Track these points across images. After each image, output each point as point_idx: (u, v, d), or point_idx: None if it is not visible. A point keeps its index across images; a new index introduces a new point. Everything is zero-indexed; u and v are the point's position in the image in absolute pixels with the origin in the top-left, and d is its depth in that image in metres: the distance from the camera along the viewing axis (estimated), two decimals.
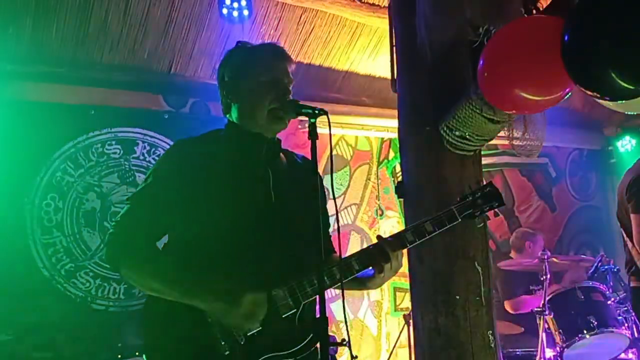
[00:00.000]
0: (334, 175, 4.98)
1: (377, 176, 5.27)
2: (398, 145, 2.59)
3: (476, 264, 2.28)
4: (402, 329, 4.18)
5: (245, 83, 1.84)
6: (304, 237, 1.73)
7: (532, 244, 4.67)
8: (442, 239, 1.87)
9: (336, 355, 3.36)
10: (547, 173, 6.10)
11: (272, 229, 1.77)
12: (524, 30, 1.88)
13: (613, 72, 1.57)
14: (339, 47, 4.71)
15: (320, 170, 1.89)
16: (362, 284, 1.86)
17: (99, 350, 3.60)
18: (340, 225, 1.63)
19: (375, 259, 1.76)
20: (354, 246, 4.89)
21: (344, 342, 1.68)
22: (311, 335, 1.70)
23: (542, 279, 3.76)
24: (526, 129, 2.11)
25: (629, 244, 3.38)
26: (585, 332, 3.51)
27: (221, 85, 1.90)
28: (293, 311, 1.70)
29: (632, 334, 3.63)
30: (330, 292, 4.29)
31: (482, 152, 2.46)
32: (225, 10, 4.07)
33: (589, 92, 1.66)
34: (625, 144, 6.13)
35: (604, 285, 3.82)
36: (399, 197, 2.55)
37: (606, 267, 4.04)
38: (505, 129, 2.19)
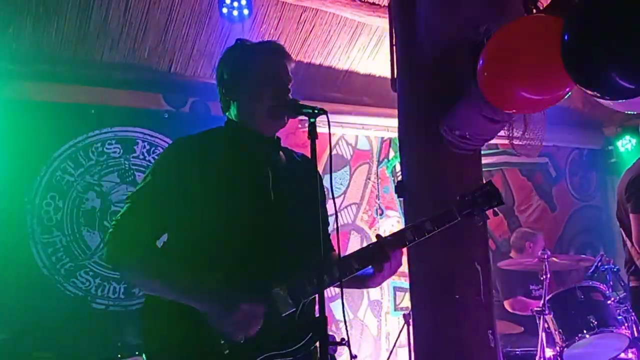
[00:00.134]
0: (334, 174, 4.99)
1: (377, 175, 5.27)
2: (398, 145, 2.59)
3: (476, 264, 2.28)
4: (402, 328, 4.17)
5: (244, 81, 1.84)
6: (303, 236, 1.73)
7: (533, 244, 4.67)
8: (442, 238, 1.86)
9: (335, 354, 3.35)
10: (547, 173, 6.10)
11: (271, 228, 1.77)
12: (524, 30, 1.88)
13: (613, 71, 1.57)
14: (339, 46, 4.71)
15: (320, 169, 1.89)
16: (362, 282, 1.86)
17: (98, 349, 3.60)
18: (340, 224, 1.63)
19: (375, 258, 1.76)
20: (354, 246, 4.89)
21: (344, 342, 1.68)
22: (310, 334, 1.70)
23: (542, 278, 3.76)
24: (526, 128, 2.11)
25: (629, 244, 3.38)
26: (585, 331, 3.51)
27: (220, 84, 1.90)
28: (292, 310, 1.70)
29: (632, 333, 3.63)
30: (330, 291, 4.28)
31: (482, 152, 2.46)
32: (225, 10, 4.06)
33: (589, 92, 1.66)
34: (625, 144, 6.12)
35: (604, 285, 3.82)
36: (398, 197, 2.55)
37: (606, 266, 4.04)
38: (505, 128, 2.19)
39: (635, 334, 3.64)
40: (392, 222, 5.23)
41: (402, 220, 4.28)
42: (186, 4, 4.10)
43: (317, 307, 1.62)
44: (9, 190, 3.86)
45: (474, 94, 2.06)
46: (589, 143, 6.34)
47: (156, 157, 4.23)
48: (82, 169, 4.11)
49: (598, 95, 1.66)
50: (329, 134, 1.62)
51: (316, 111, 1.64)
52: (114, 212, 4.10)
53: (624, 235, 3.43)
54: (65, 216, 4.03)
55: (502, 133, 2.27)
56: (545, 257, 3.76)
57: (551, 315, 3.61)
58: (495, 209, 1.90)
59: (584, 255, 4.70)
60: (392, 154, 5.33)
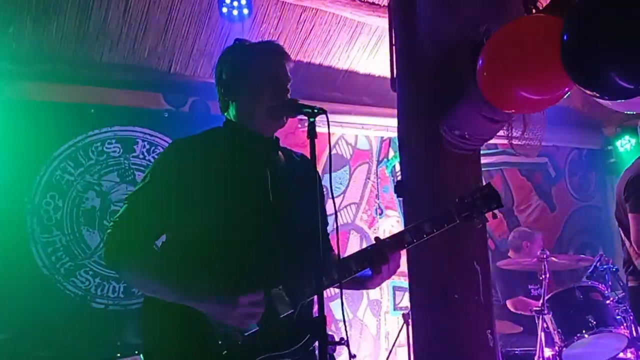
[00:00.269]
0: (334, 174, 4.99)
1: (377, 175, 5.27)
2: (397, 144, 2.59)
3: (475, 264, 2.29)
4: (402, 328, 4.18)
5: (243, 82, 1.84)
6: (302, 236, 1.73)
7: (530, 243, 4.67)
8: (442, 239, 1.86)
9: (335, 354, 3.36)
10: (547, 172, 6.10)
11: (270, 228, 1.76)
12: (524, 30, 1.88)
13: (612, 71, 1.57)
14: (339, 46, 4.71)
15: (320, 169, 1.89)
16: (361, 284, 1.86)
17: (98, 348, 3.60)
18: (339, 224, 1.64)
19: (374, 260, 1.76)
20: (353, 245, 4.89)
21: (343, 342, 1.68)
22: (309, 335, 1.70)
23: (541, 278, 3.76)
24: (525, 128, 2.11)
25: (627, 244, 3.38)
26: (584, 331, 3.51)
27: (219, 83, 1.89)
28: (291, 311, 1.70)
29: (631, 333, 3.63)
30: (330, 291, 4.29)
31: (482, 152, 2.47)
32: (225, 9, 4.06)
33: (589, 92, 1.66)
34: (624, 144, 6.13)
35: (603, 285, 3.82)
36: (398, 196, 2.55)
37: (605, 266, 4.05)
38: (505, 128, 2.19)
39: (634, 334, 3.65)
40: (392, 222, 5.24)
41: (402, 220, 4.29)
42: (186, 3, 4.10)
43: (315, 307, 1.62)
44: (8, 189, 3.86)
45: (473, 94, 2.06)
46: (589, 143, 6.34)
47: (156, 157, 4.24)
48: (82, 169, 4.11)
49: (597, 95, 1.66)
50: (329, 133, 1.62)
51: (315, 111, 1.64)
52: (113, 211, 4.10)
53: (623, 235, 3.43)
54: (65, 215, 4.03)
55: (501, 133, 2.26)
56: (545, 257, 3.76)
57: (550, 315, 3.61)
58: (494, 211, 1.89)
59: (583, 255, 4.70)
60: (391, 153, 5.33)
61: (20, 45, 3.93)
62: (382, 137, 5.31)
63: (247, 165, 1.82)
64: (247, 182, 1.80)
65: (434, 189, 2.34)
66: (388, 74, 2.65)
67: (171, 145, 1.88)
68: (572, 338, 3.53)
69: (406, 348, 4.15)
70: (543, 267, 3.74)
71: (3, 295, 3.66)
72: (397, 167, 5.14)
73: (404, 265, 1.96)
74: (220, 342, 1.65)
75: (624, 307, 3.67)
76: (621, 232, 3.46)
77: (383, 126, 5.08)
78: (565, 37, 1.65)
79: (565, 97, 1.87)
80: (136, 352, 3.26)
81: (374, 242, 1.81)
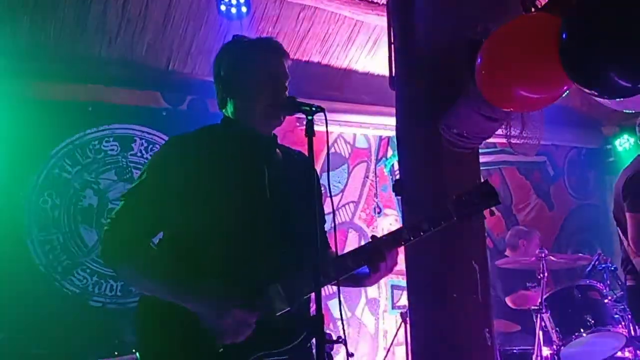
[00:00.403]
0: (332, 172, 4.99)
1: (375, 174, 5.27)
2: (396, 143, 2.59)
3: (473, 262, 2.28)
4: (400, 326, 4.18)
5: (241, 79, 1.83)
6: (299, 234, 1.73)
7: (526, 242, 4.67)
8: (440, 237, 1.86)
9: (332, 353, 3.36)
10: (545, 171, 6.10)
11: (267, 225, 1.76)
12: (523, 28, 1.88)
13: (611, 70, 1.57)
14: (338, 44, 4.71)
15: (318, 167, 1.89)
16: (358, 281, 1.86)
17: (95, 347, 3.59)
18: (338, 222, 1.63)
19: (371, 258, 1.76)
20: (351, 244, 4.89)
21: (340, 340, 1.67)
22: (305, 333, 1.70)
23: (539, 277, 3.76)
24: (524, 127, 2.11)
25: (625, 243, 3.38)
26: (582, 330, 3.51)
27: (217, 80, 1.89)
28: (288, 309, 1.69)
29: (629, 332, 3.63)
30: (327, 289, 4.28)
31: (480, 150, 2.46)
32: (223, 7, 4.06)
33: (587, 90, 1.66)
34: (623, 143, 6.12)
35: (601, 284, 3.82)
36: (396, 195, 2.55)
37: (603, 265, 4.04)
38: (503, 127, 2.19)
39: (632, 333, 3.64)
40: (390, 221, 5.23)
41: (400, 218, 4.29)
42: (184, 1, 4.09)
43: (313, 305, 1.61)
44: (5, 187, 3.85)
45: (472, 93, 2.06)
46: (588, 142, 6.34)
47: None
48: (80, 167, 4.10)
49: (596, 94, 1.66)
50: (327, 131, 1.62)
51: (313, 109, 1.64)
52: (111, 209, 4.08)
53: (621, 234, 3.44)
54: (62, 214, 4.02)
55: (500, 132, 2.26)
56: (543, 255, 3.77)
57: (548, 314, 3.61)
58: (492, 208, 1.89)
59: (581, 254, 4.70)
60: (390, 152, 5.33)
61: (18, 42, 3.92)
62: (380, 136, 5.31)
63: (244, 163, 1.81)
64: (244, 179, 1.79)
65: (432, 187, 2.34)
66: (387, 73, 2.64)
67: (168, 142, 1.87)
68: (570, 337, 3.53)
69: (404, 347, 4.15)
70: (541, 266, 3.74)
71: (0, 293, 3.65)
72: (396, 166, 5.14)
73: (402, 264, 1.96)
74: (216, 340, 1.65)
75: (622, 306, 3.67)
76: (619, 231, 3.46)
77: (382, 125, 5.08)
78: (564, 36, 1.64)
79: (563, 95, 1.86)
80: (133, 350, 3.25)
81: (371, 239, 1.81)
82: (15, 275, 3.76)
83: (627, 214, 3.29)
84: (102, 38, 4.10)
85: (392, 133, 4.76)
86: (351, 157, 5.18)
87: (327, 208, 1.93)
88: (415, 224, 1.81)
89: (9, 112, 3.88)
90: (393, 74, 2.58)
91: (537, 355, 3.52)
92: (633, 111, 1.92)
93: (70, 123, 4.10)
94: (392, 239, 1.79)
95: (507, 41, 1.89)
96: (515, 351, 3.86)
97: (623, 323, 3.63)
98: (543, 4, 2.11)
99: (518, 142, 2.16)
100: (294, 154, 1.97)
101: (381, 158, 5.33)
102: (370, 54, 4.85)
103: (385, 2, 3.54)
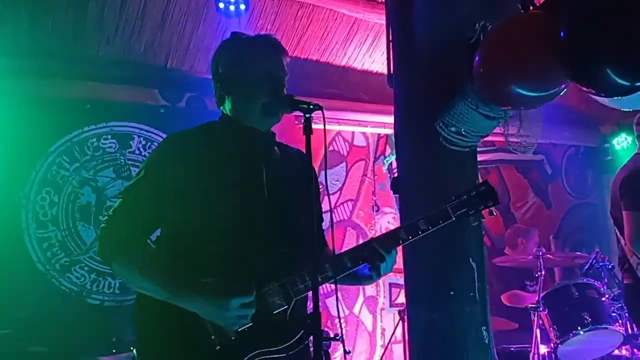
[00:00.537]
0: (331, 171, 4.99)
1: (374, 172, 5.27)
2: (394, 141, 2.59)
3: (471, 260, 2.29)
4: (397, 324, 4.19)
5: (239, 76, 1.82)
6: (296, 232, 1.72)
7: (525, 240, 4.69)
8: (438, 236, 1.86)
9: (329, 350, 3.36)
10: (543, 170, 6.10)
11: (264, 223, 1.76)
12: (521, 27, 1.88)
13: (609, 68, 1.57)
14: (336, 42, 4.70)
15: (317, 165, 1.88)
16: (357, 280, 1.85)
17: (93, 344, 3.60)
18: (336, 221, 1.63)
19: (369, 257, 1.76)
20: (349, 242, 4.89)
21: (337, 337, 1.68)
22: (302, 331, 1.70)
23: (537, 275, 3.77)
24: (521, 125, 2.11)
25: (622, 241, 3.39)
26: (579, 328, 3.52)
27: (215, 78, 1.88)
28: (284, 307, 1.69)
29: (626, 330, 3.64)
30: (325, 287, 4.29)
31: (478, 149, 2.46)
32: (221, 5, 4.05)
33: (585, 89, 1.66)
34: (621, 141, 6.12)
35: (599, 282, 3.83)
36: (394, 193, 2.55)
37: (601, 264, 4.05)
38: (501, 125, 2.19)
39: (629, 331, 3.66)
40: (388, 219, 5.24)
41: (398, 216, 4.29)
42: None
43: (310, 303, 1.61)
44: (3, 185, 3.85)
45: (470, 91, 2.06)
46: (586, 141, 6.34)
47: None
48: (78, 164, 4.10)
49: (593, 92, 1.67)
50: (324, 130, 1.62)
51: (312, 107, 1.63)
52: (109, 207, 4.07)
53: (618, 233, 3.44)
54: (60, 211, 4.02)
55: (497, 130, 2.27)
56: (540, 254, 3.77)
57: (546, 312, 3.62)
58: (491, 208, 1.88)
59: (579, 253, 4.71)
60: (388, 150, 5.33)
61: (16, 40, 3.91)
62: (379, 134, 5.31)
63: (242, 160, 1.81)
64: (242, 177, 1.79)
65: (430, 186, 2.34)
66: (385, 71, 2.65)
67: (166, 139, 1.87)
68: (567, 335, 3.54)
69: (402, 344, 4.16)
70: (539, 264, 3.75)
71: None
72: (394, 164, 5.14)
73: (400, 262, 1.96)
74: (213, 337, 1.65)
75: (620, 305, 3.68)
76: (616, 229, 3.46)
77: (380, 123, 5.07)
78: (561, 35, 1.65)
79: (561, 94, 1.87)
80: (131, 348, 3.26)
81: (369, 239, 1.80)
82: (13, 272, 3.76)
83: (624, 212, 3.29)
84: (100, 36, 4.09)
85: (391, 131, 4.78)
86: (349, 155, 5.18)
87: (326, 206, 1.93)
88: (413, 224, 1.80)
89: (7, 109, 3.87)
90: (391, 72, 2.58)
91: (534, 353, 3.53)
92: (631, 109, 1.92)
93: (69, 120, 4.09)
94: (390, 239, 1.79)
95: (505, 39, 1.89)
96: (512, 349, 3.87)
97: (620, 321, 3.64)
98: (541, 2, 2.11)
99: (516, 140, 2.16)
100: (292, 152, 1.96)
101: (379, 156, 5.33)
102: (369, 52, 4.85)
103: (383, 1, 3.53)
